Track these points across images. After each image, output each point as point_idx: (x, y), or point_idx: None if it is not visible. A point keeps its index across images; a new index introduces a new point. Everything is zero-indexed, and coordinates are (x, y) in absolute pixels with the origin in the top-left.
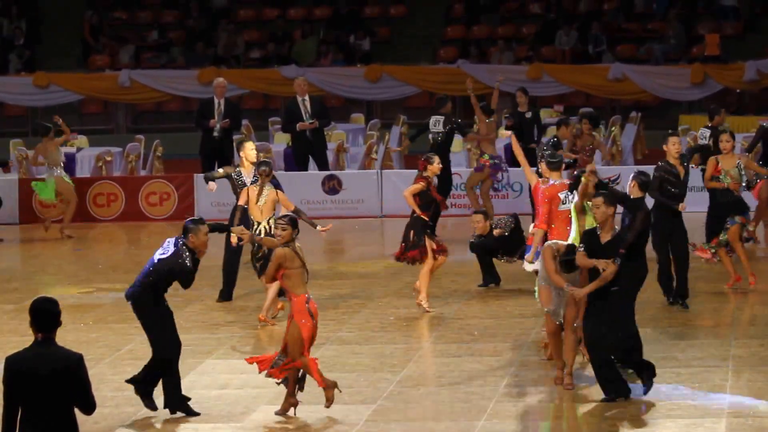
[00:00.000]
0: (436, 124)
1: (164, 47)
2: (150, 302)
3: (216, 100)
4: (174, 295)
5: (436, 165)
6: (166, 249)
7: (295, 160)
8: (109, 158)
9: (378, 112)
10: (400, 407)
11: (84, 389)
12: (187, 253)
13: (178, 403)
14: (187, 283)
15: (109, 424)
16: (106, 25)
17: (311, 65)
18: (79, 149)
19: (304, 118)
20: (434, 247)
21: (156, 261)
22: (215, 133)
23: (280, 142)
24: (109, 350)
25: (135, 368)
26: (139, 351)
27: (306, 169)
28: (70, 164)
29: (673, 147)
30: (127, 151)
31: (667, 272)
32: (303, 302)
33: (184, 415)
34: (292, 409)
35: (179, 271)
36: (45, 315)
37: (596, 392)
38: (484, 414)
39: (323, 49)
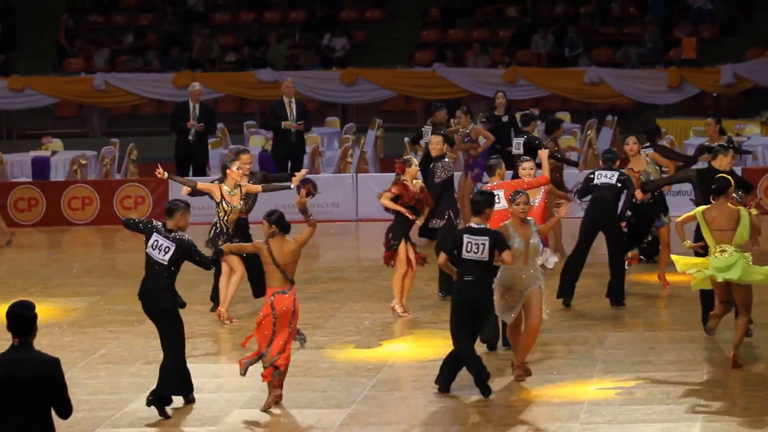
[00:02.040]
0: (427, 133)
1: (140, 51)
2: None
3: (191, 104)
4: None
5: (414, 168)
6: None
7: (275, 163)
8: (83, 162)
9: (353, 115)
10: (374, 411)
11: (61, 393)
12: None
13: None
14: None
15: (83, 428)
16: (82, 29)
17: (286, 68)
18: (53, 153)
19: (289, 119)
20: (411, 255)
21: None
22: (190, 137)
23: (256, 145)
24: (83, 354)
25: (109, 372)
26: (113, 355)
27: (286, 172)
28: (44, 168)
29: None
30: (102, 154)
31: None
32: (270, 294)
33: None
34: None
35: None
36: (20, 320)
37: (571, 396)
38: (459, 418)
39: (295, 54)
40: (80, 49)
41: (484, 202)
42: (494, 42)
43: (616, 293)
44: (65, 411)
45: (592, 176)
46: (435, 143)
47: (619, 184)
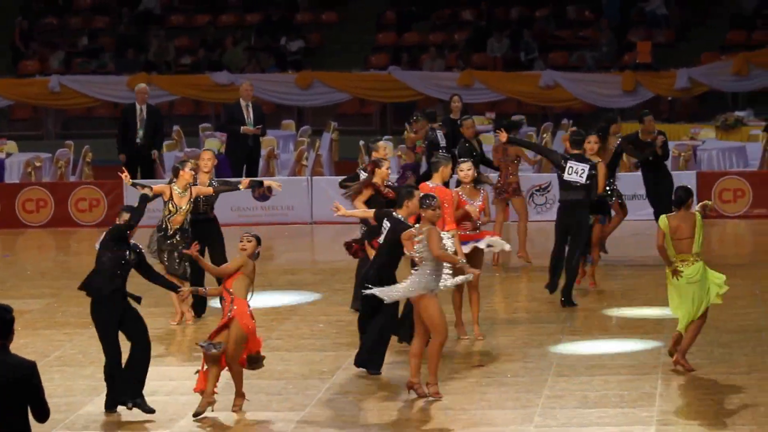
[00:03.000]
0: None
1: (95, 53)
2: None
3: (138, 107)
4: None
5: (384, 170)
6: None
7: (232, 165)
8: (38, 164)
9: (309, 118)
10: (329, 414)
11: (39, 397)
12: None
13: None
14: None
15: (36, 430)
16: (37, 31)
17: (243, 71)
18: (8, 155)
19: (246, 123)
20: None
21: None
22: (137, 140)
23: (212, 147)
24: (38, 357)
25: (63, 375)
26: (67, 357)
27: (241, 175)
28: None
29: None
30: (57, 156)
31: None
32: (247, 305)
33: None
34: (209, 408)
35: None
36: None
37: (525, 399)
38: (412, 421)
39: (249, 55)
40: (35, 51)
41: (402, 196)
42: (450, 45)
43: (568, 295)
44: (43, 414)
45: (564, 164)
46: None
47: (588, 181)
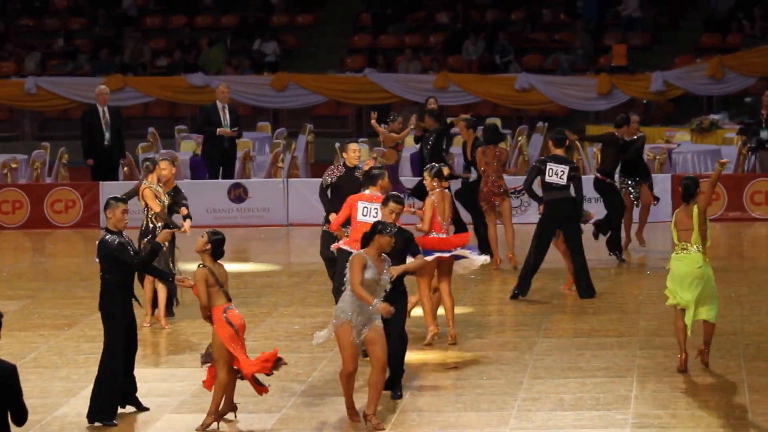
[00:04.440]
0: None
1: (71, 54)
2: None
3: (100, 109)
4: (81, 305)
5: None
6: None
7: (208, 167)
8: (14, 165)
9: (285, 120)
10: (305, 416)
11: (18, 399)
12: (108, 235)
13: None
14: (130, 260)
15: None
16: (13, 32)
17: (219, 73)
18: None
19: (222, 125)
20: None
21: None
22: (105, 142)
23: (187, 149)
24: (13, 358)
25: (39, 377)
26: (43, 359)
27: (217, 177)
28: None
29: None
30: (33, 158)
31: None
32: (220, 312)
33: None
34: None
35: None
36: None
37: (501, 402)
38: (389, 424)
39: (232, 60)
40: (11, 52)
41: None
42: (425, 48)
43: (587, 286)
44: (21, 417)
45: (543, 167)
46: (353, 151)
47: (570, 182)
